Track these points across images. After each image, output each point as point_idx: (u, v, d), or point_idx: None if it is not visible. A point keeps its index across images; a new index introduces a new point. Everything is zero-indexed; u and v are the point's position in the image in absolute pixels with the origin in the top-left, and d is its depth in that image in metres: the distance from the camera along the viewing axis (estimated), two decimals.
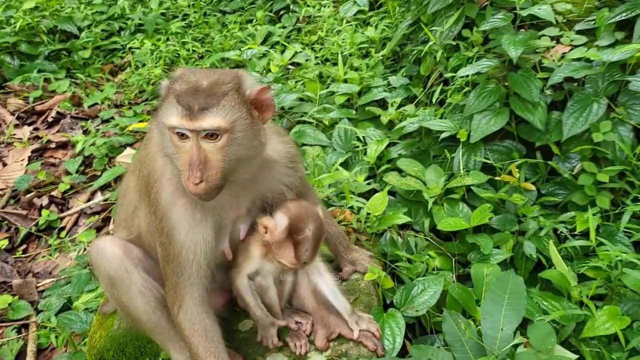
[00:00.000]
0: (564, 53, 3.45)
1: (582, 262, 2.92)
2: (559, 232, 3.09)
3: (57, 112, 5.70)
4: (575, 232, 2.98)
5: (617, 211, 3.07)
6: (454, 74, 3.74)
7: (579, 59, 3.27)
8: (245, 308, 2.26)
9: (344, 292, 2.25)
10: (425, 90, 4.22)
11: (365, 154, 3.86)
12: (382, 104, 4.44)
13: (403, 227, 3.39)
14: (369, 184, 3.57)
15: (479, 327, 2.36)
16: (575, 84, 3.33)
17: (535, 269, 3.07)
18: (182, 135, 1.78)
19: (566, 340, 2.64)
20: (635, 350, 2.48)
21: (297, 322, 2.29)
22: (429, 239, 3.20)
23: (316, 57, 5.38)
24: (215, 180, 1.79)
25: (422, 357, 2.14)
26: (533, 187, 3.22)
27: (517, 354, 2.49)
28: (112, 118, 5.67)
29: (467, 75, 3.60)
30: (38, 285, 3.93)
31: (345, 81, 4.64)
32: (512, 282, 2.30)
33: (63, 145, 5.33)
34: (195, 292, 2.05)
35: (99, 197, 4.65)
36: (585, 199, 3.15)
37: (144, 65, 6.46)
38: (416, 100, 4.21)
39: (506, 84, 3.41)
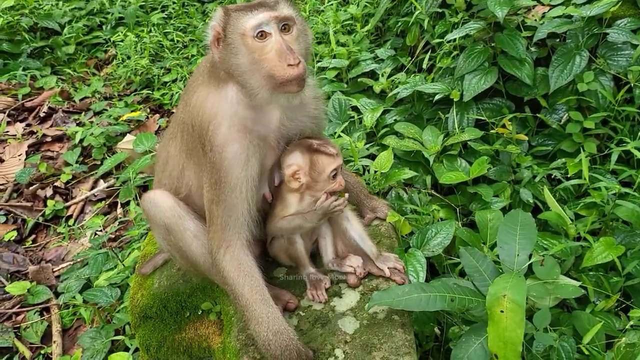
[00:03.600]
0: (544, 13, 3.67)
1: (575, 203, 3.16)
2: (552, 176, 3.31)
3: (49, 107, 5.74)
4: (568, 176, 3.21)
5: (604, 153, 3.31)
6: (441, 40, 3.94)
7: (559, 17, 3.49)
8: (282, 256, 2.43)
9: (369, 236, 2.43)
10: (413, 59, 4.41)
11: (361, 122, 4.03)
12: (372, 75, 4.61)
13: (406, 186, 3.58)
14: (368, 149, 3.75)
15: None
16: (558, 40, 3.56)
17: (533, 213, 3.28)
18: (261, 36, 1.94)
19: (567, 273, 2.86)
20: (630, 274, 2.72)
21: (350, 266, 2.39)
22: (432, 193, 3.40)
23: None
24: (305, 66, 1.96)
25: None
26: (526, 137, 3.44)
27: (529, 286, 2.73)
28: (105, 110, 5.74)
29: (455, 40, 3.80)
30: (54, 270, 4.02)
31: (334, 57, 4.80)
32: (521, 216, 2.50)
33: (59, 139, 5.38)
34: (243, 234, 2.14)
35: (102, 185, 4.74)
36: (573, 146, 3.38)
37: (129, 57, 6.52)
38: (405, 69, 4.40)
39: (493, 44, 3.62)
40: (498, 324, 1.97)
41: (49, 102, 5.82)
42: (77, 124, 5.55)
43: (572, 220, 2.98)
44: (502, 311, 1.99)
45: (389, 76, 4.34)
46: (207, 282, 2.50)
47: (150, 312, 2.55)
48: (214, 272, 2.25)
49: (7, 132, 5.49)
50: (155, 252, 2.76)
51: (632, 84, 3.27)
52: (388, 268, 2.36)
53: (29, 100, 5.91)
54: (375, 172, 3.28)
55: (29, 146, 5.23)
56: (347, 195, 2.33)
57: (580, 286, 2.65)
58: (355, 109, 4.21)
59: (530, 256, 2.38)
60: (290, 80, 1.95)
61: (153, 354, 2.55)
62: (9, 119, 5.66)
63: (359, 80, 4.49)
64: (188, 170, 2.30)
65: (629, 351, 2.34)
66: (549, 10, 3.62)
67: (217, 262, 2.16)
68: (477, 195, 3.29)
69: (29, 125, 5.62)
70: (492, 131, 3.47)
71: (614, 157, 3.14)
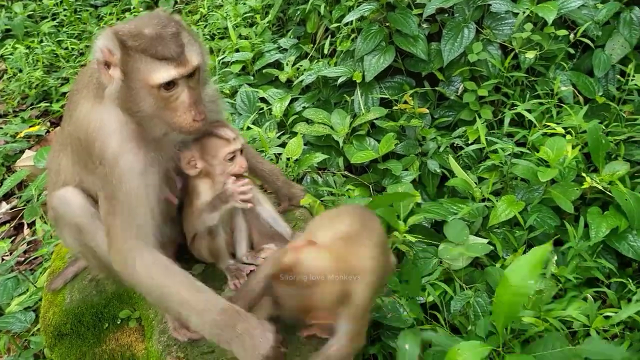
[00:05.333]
0: None
1: (477, 168, 3.33)
2: (455, 145, 3.47)
3: None
4: (469, 142, 3.38)
5: (499, 118, 3.50)
6: (339, 24, 4.01)
7: None
8: (204, 252, 2.39)
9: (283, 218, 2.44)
10: (315, 45, 4.46)
11: (271, 113, 4.03)
12: (277, 66, 4.61)
13: (320, 170, 3.63)
14: (279, 138, 3.76)
15: None
16: (447, 15, 3.72)
17: (441, 182, 3.44)
18: (168, 86, 1.88)
19: (477, 233, 3.02)
20: (533, 227, 2.91)
21: (264, 259, 2.37)
22: (345, 174, 3.46)
23: (203, 35, 5.44)
24: (207, 117, 1.97)
25: None
26: (427, 111, 3.58)
27: (439, 251, 2.86)
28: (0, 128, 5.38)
29: (352, 22, 3.88)
30: None
31: (237, 50, 4.76)
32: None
33: None
34: (149, 240, 2.01)
35: (4, 207, 4.46)
36: (471, 115, 3.56)
37: (21, 70, 6.14)
38: (308, 57, 4.43)
39: (387, 24, 3.73)
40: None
41: None
42: None
43: (476, 183, 3.14)
44: None
45: (293, 64, 4.36)
46: (123, 288, 2.42)
47: (65, 329, 2.43)
48: (133, 286, 2.12)
49: None
50: (65, 266, 2.63)
51: (517, 51, 3.47)
52: None
53: None
54: (288, 159, 3.30)
55: None
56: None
57: (489, 243, 2.82)
58: (263, 100, 4.20)
59: None
60: (191, 132, 1.99)
61: None
62: None
63: (264, 71, 4.48)
64: (85, 182, 2.19)
65: (538, 298, 2.49)
66: None
67: (130, 276, 2.00)
68: (388, 171, 3.39)
69: None
70: (395, 108, 3.57)
71: (507, 121, 3.33)
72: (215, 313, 1.89)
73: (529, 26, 3.44)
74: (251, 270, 2.37)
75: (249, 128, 3.75)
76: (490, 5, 3.55)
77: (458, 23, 3.56)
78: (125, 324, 2.46)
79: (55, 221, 2.29)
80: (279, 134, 3.77)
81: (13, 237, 4.23)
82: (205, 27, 5.66)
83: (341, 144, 3.51)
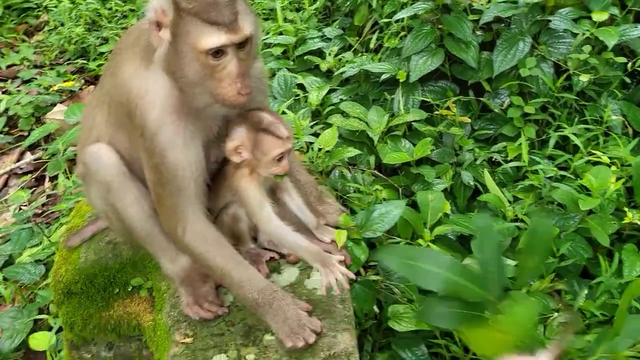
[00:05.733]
0: None
1: (513, 186, 3.22)
2: (493, 159, 3.36)
3: None
4: (508, 159, 3.27)
5: (542, 138, 3.38)
6: (389, 20, 3.91)
7: (504, 2, 3.53)
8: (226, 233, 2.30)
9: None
10: (361, 39, 4.36)
11: (306, 101, 3.95)
12: (319, 54, 4.52)
13: (350, 166, 3.54)
14: (312, 127, 3.68)
15: None
16: (503, 25, 3.60)
17: (473, 196, 3.33)
18: (216, 54, 1.80)
19: (504, 254, 2.91)
20: (564, 256, 2.79)
21: (271, 258, 2.34)
22: (375, 173, 3.37)
23: None
24: (251, 93, 1.89)
25: None
26: (469, 120, 3.47)
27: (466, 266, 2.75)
28: (34, 78, 5.38)
29: (403, 20, 3.78)
30: None
31: (281, 33, 4.68)
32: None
33: None
34: (197, 209, 2.05)
35: (29, 157, 4.45)
36: (514, 131, 3.44)
37: (62, 24, 6.13)
38: (352, 49, 4.34)
39: (440, 26, 3.62)
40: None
41: None
42: (3, 92, 5.19)
43: (510, 202, 3.03)
44: None
45: (335, 55, 4.27)
46: (139, 256, 2.36)
47: (75, 288, 2.37)
48: (182, 251, 2.17)
49: None
50: (84, 224, 2.58)
51: (571, 72, 3.34)
52: (328, 241, 2.31)
53: None
54: (320, 149, 3.22)
55: None
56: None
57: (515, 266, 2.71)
58: (300, 86, 4.12)
59: None
60: (235, 106, 1.91)
61: (78, 332, 2.39)
62: None
63: (305, 58, 4.39)
64: (118, 143, 2.14)
65: (561, 330, 2.39)
66: None
67: (179, 242, 2.08)
68: (420, 176, 3.29)
69: None
70: (436, 113, 3.47)
71: (552, 142, 3.21)
72: (255, 291, 2.01)
73: (587, 48, 3.31)
74: (271, 257, 2.30)
75: (283, 113, 3.68)
76: (549, 21, 3.42)
77: (514, 35, 3.44)
78: (136, 292, 2.40)
79: (83, 177, 2.24)
80: (312, 123, 3.68)
81: (33, 189, 4.22)
82: (251, 5, 5.58)
83: (375, 142, 3.41)
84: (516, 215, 2.95)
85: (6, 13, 6.44)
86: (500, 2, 3.53)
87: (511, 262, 2.71)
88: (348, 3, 4.59)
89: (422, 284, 2.02)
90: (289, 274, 2.25)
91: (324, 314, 2.04)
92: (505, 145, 3.36)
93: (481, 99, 3.56)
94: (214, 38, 1.77)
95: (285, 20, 4.95)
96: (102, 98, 2.17)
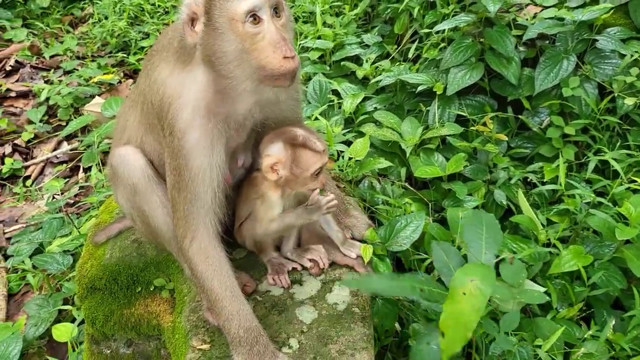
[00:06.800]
0: (536, 13, 3.60)
1: (548, 209, 3.12)
2: (528, 180, 3.26)
3: (16, 61, 5.47)
4: (544, 180, 3.16)
5: (581, 161, 3.27)
6: (430, 30, 3.84)
7: (551, 18, 3.42)
8: (249, 241, 2.31)
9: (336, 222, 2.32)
10: (400, 47, 4.30)
11: (340, 107, 3.92)
12: (356, 60, 4.49)
13: (380, 177, 3.49)
14: (344, 134, 3.64)
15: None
16: (547, 42, 3.49)
17: (505, 215, 3.24)
18: (254, 21, 1.77)
19: (533, 279, 2.82)
20: (595, 285, 2.69)
21: (310, 260, 2.30)
22: (405, 185, 3.31)
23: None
24: (299, 59, 1.82)
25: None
26: (505, 138, 3.37)
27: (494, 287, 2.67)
28: (76, 69, 5.49)
29: (444, 31, 3.71)
30: (5, 232, 3.83)
31: (319, 38, 4.66)
32: (485, 218, 2.43)
33: (24, 95, 5.14)
34: (209, 222, 1.99)
35: (65, 147, 4.54)
36: (552, 151, 3.33)
37: (106, 17, 6.25)
38: (390, 57, 4.29)
39: (481, 40, 3.53)
40: (456, 304, 1.89)
41: (16, 55, 5.54)
42: (45, 82, 5.31)
43: (543, 225, 2.93)
44: (464, 293, 1.91)
45: (373, 62, 4.23)
46: (163, 256, 2.38)
47: (99, 284, 2.40)
48: (181, 260, 2.15)
49: None
50: (111, 221, 2.61)
51: (616, 94, 3.22)
52: (354, 256, 2.27)
53: None
54: (350, 158, 3.18)
55: None
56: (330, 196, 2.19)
57: (544, 292, 2.62)
58: (335, 92, 4.09)
59: (496, 257, 2.32)
60: (284, 74, 1.80)
61: (99, 327, 2.42)
62: None
63: (342, 64, 4.36)
64: (147, 144, 2.16)
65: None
66: (541, 11, 3.55)
67: (183, 251, 2.04)
68: (451, 192, 3.22)
69: None
70: (472, 128, 3.39)
71: (591, 166, 3.10)
72: (243, 328, 1.96)
73: (635, 71, 3.18)
74: (293, 268, 2.27)
75: (316, 119, 3.65)
76: (596, 40, 3.30)
77: (558, 53, 3.33)
78: (158, 293, 2.41)
79: (112, 179, 2.26)
80: (345, 131, 3.65)
81: (68, 179, 4.29)
82: (291, 7, 5.58)
83: (407, 154, 3.36)
84: (549, 240, 2.85)
85: (53, 4, 6.60)
86: (546, 19, 3.42)
87: (540, 288, 2.63)
88: (389, 10, 4.54)
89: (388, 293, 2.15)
90: (311, 286, 2.22)
91: (343, 330, 2.01)
92: (541, 166, 3.26)
93: (520, 116, 3.46)
94: (247, 1, 1.75)
95: (324, 24, 4.92)
96: (136, 99, 2.19)
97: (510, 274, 2.69)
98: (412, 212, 3.11)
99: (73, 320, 2.96)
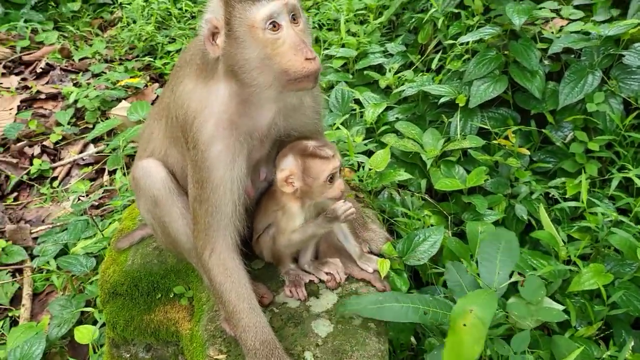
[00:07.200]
0: (562, 26, 3.57)
1: (569, 226, 3.08)
2: (550, 195, 3.23)
3: (47, 64, 5.60)
4: (566, 196, 3.13)
5: (604, 177, 3.23)
6: (454, 42, 3.83)
7: (576, 32, 3.39)
8: (266, 253, 2.34)
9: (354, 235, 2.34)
10: (423, 57, 4.30)
11: (362, 117, 3.93)
12: (379, 69, 4.50)
13: (399, 188, 3.49)
14: (366, 144, 3.66)
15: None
16: (572, 56, 3.45)
17: (525, 230, 3.22)
18: (273, 27, 1.80)
19: (552, 296, 2.79)
20: (615, 304, 2.65)
21: (327, 274, 2.31)
22: (425, 197, 3.31)
23: (312, 22, 5.40)
24: (320, 61, 1.85)
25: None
26: (528, 152, 3.35)
27: (508, 304, 2.65)
28: (103, 72, 5.60)
29: (468, 43, 3.70)
30: (32, 232, 3.93)
31: (343, 46, 4.68)
32: (504, 237, 2.43)
33: (53, 97, 5.26)
34: (229, 235, 2.03)
35: (91, 149, 4.63)
36: (575, 166, 3.29)
37: (134, 21, 6.37)
38: (413, 67, 4.29)
39: (506, 52, 3.52)
40: (457, 337, 1.90)
41: (47, 58, 5.68)
42: (74, 84, 5.43)
43: (564, 242, 2.90)
44: (464, 325, 1.91)
45: (396, 72, 4.23)
46: (183, 264, 2.42)
47: (121, 290, 2.46)
48: (200, 270, 2.19)
49: (1, 84, 5.36)
50: (134, 228, 2.67)
51: None
52: (371, 271, 2.28)
53: (28, 54, 5.77)
54: (370, 169, 3.19)
55: (21, 101, 5.11)
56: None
57: (563, 310, 2.60)
58: (357, 102, 4.11)
59: (511, 276, 2.30)
60: (307, 76, 1.82)
61: (119, 332, 2.47)
62: (4, 71, 5.53)
63: (365, 72, 4.38)
64: (171, 156, 2.21)
65: None
66: (567, 24, 3.52)
67: (203, 262, 2.08)
68: (471, 206, 3.21)
69: (24, 79, 5.49)
70: (494, 141, 3.37)
71: (614, 183, 3.06)
72: (259, 341, 1.99)
73: None
74: (310, 280, 2.30)
75: (337, 128, 3.67)
76: (623, 56, 3.26)
77: (583, 67, 3.30)
78: (177, 300, 2.46)
79: (135, 190, 2.31)
80: (366, 141, 3.66)
81: (93, 181, 4.38)
82: (315, 15, 5.62)
83: (428, 166, 3.35)
84: (569, 257, 2.83)
85: (84, 7, 6.74)
86: (572, 32, 3.39)
87: (558, 306, 2.61)
88: (413, 20, 4.54)
89: (387, 317, 2.09)
90: (327, 299, 2.24)
91: (358, 345, 2.02)
92: (564, 181, 3.23)
93: (543, 130, 3.43)
94: (265, 7, 1.79)
95: (348, 32, 4.94)
96: (161, 112, 2.24)
97: (529, 291, 2.67)
98: (431, 225, 3.11)
99: (95, 323, 3.02)
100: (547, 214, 2.99)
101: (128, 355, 2.54)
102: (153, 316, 2.45)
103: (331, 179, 2.08)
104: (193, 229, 2.09)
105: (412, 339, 2.61)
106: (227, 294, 2.03)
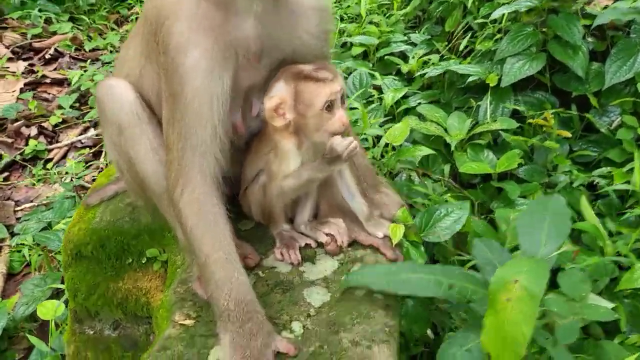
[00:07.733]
0: (607, 5, 3.22)
1: (616, 220, 2.67)
2: (595, 183, 2.81)
3: (56, 50, 5.41)
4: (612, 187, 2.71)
5: None
6: (485, 20, 3.49)
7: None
8: (255, 209, 1.97)
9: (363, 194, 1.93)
10: (450, 44, 3.96)
11: (381, 103, 3.58)
12: (402, 58, 4.16)
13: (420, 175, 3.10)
14: (381, 126, 3.28)
15: None
16: (620, 33, 3.08)
17: None
18: None
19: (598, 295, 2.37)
20: None
21: (327, 234, 1.91)
22: (449, 182, 2.91)
23: (334, 15, 5.12)
24: None
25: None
26: (570, 135, 2.94)
27: (545, 300, 2.21)
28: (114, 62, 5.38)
29: (501, 20, 3.34)
30: (16, 210, 3.63)
31: (363, 34, 4.37)
32: (552, 203, 2.02)
33: (59, 82, 5.03)
34: (206, 167, 1.65)
35: (92, 132, 4.36)
36: (622, 156, 2.87)
37: None
38: (440, 55, 3.94)
39: (544, 29, 3.15)
40: (499, 315, 1.47)
41: (57, 45, 5.49)
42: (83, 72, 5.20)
43: (611, 234, 2.48)
44: (508, 299, 1.49)
45: (420, 58, 3.89)
46: (158, 224, 2.03)
47: (85, 251, 2.08)
48: (172, 220, 1.80)
49: (7, 67, 5.15)
50: (107, 182, 2.31)
51: None
52: (381, 236, 1.88)
53: (38, 41, 5.59)
54: (387, 145, 2.81)
55: (25, 84, 4.89)
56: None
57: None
58: (377, 88, 3.76)
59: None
60: None
61: (80, 301, 2.10)
62: (12, 56, 5.33)
63: (386, 58, 4.04)
64: (147, 77, 1.84)
65: None
66: (613, 2, 3.16)
67: (174, 202, 1.68)
68: (501, 194, 2.81)
69: (31, 65, 5.28)
70: (529, 121, 2.98)
71: None
72: (233, 300, 1.58)
73: None
74: (306, 244, 1.89)
75: (352, 108, 3.32)
76: None
77: (634, 44, 2.92)
78: (150, 266, 2.08)
79: (99, 115, 1.96)
80: (383, 121, 3.30)
81: (90, 163, 4.09)
82: (338, 9, 5.34)
83: (453, 148, 2.96)
84: (618, 252, 2.40)
85: (100, 1, 6.59)
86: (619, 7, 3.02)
87: (607, 304, 2.17)
88: (441, 8, 4.21)
89: (401, 290, 1.70)
90: (325, 266, 1.83)
91: (360, 318, 1.62)
92: (610, 171, 2.81)
93: (586, 115, 3.02)
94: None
95: (370, 22, 4.64)
96: (138, 28, 1.92)
97: (571, 284, 2.24)
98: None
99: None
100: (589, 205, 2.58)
101: (92, 332, 2.16)
102: (121, 284, 2.07)
103: (329, 107, 1.70)
104: (166, 161, 1.70)
105: (429, 332, 2.18)
106: (199, 240, 1.62)
